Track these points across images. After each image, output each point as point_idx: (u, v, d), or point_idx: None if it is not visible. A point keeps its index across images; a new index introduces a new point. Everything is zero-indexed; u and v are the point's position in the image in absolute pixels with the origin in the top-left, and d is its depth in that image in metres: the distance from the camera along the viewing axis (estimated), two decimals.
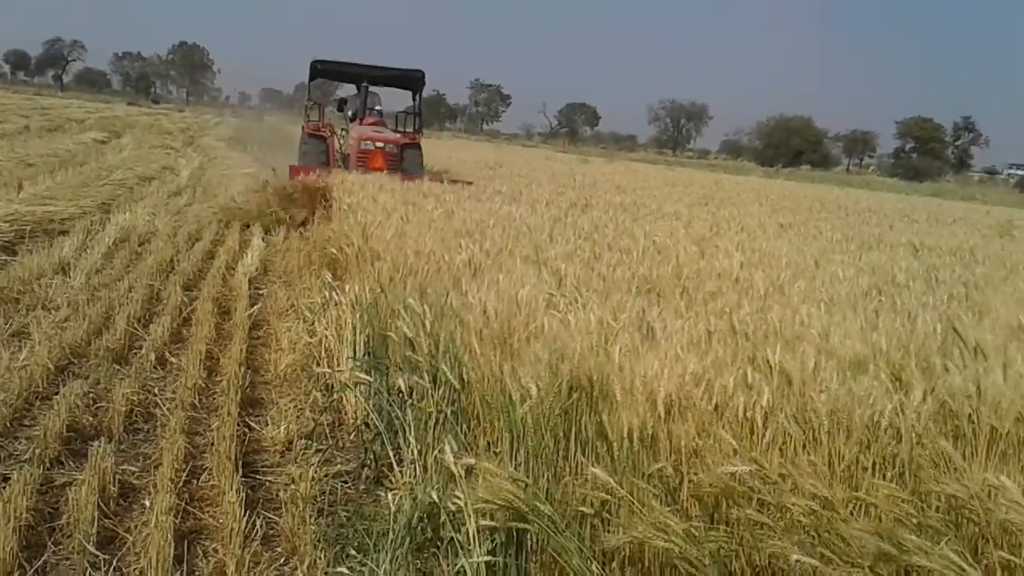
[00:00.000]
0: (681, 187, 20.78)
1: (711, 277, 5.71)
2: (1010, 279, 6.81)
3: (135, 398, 4.62)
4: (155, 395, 4.77)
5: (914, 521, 2.49)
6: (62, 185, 11.74)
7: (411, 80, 15.09)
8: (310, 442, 4.34)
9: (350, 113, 15.59)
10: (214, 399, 4.84)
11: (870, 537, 2.27)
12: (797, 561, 2.28)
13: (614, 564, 2.55)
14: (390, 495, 3.20)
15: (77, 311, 6.01)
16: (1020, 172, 79.46)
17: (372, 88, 15.25)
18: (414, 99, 15.29)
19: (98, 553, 3.09)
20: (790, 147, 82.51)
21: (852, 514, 2.51)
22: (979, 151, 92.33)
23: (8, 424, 4.18)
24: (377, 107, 15.45)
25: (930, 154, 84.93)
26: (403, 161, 13.57)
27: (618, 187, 17.75)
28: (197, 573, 3.07)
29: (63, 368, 5.03)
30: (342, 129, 15.40)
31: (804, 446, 2.79)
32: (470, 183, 12.65)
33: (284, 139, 23.70)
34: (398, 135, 14.44)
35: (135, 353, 5.48)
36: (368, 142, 13.42)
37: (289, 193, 11.30)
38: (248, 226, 10.85)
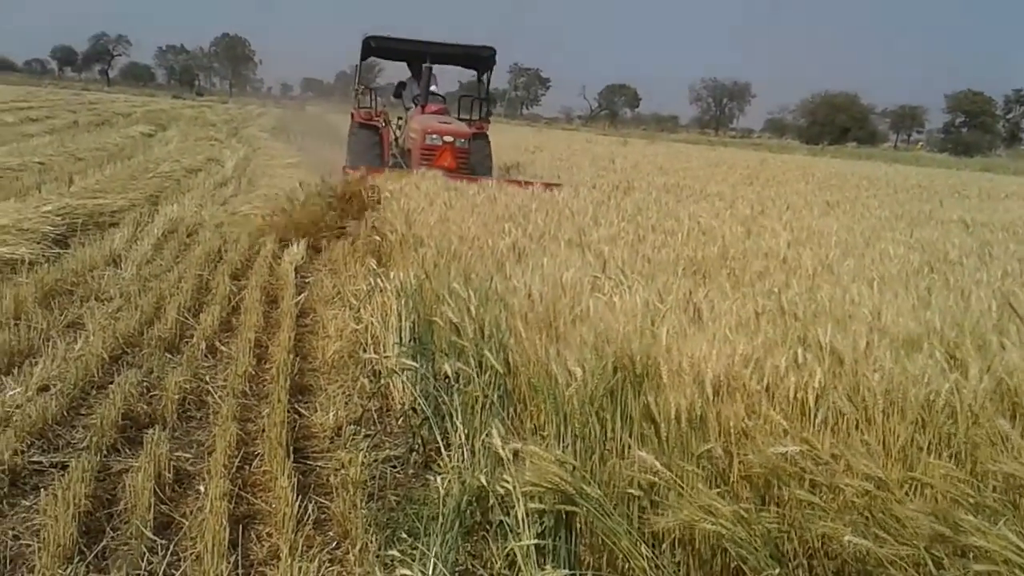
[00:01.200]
0: (724, 167, 20.55)
1: (758, 257, 5.65)
2: None
3: (187, 386, 4.70)
4: (206, 383, 4.86)
5: (971, 501, 2.44)
6: (111, 178, 11.96)
7: (479, 59, 12.91)
8: (359, 428, 4.39)
9: (408, 101, 13.19)
10: (264, 386, 4.91)
11: (925, 518, 2.24)
12: (850, 542, 2.25)
13: (664, 546, 2.54)
14: (439, 479, 3.22)
15: (129, 302, 6.12)
16: None
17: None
18: (480, 81, 13.18)
19: (155, 538, 3.16)
20: (836, 124, 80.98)
21: (907, 495, 2.47)
22: None
23: (65, 413, 4.28)
24: (434, 88, 12.90)
25: (981, 128, 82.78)
26: (471, 156, 11.47)
27: (660, 168, 17.60)
28: (252, 557, 3.12)
29: (117, 358, 5.13)
30: (399, 119, 13.23)
31: (857, 426, 2.74)
32: (559, 184, 10.70)
33: (326, 128, 23.91)
34: (466, 126, 12.07)
35: (186, 342, 5.58)
36: (434, 135, 11.14)
37: (343, 200, 9.39)
38: (289, 243, 8.67)
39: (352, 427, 4.39)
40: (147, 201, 10.81)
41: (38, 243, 7.46)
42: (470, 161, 11.34)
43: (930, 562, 2.34)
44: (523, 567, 2.47)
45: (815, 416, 2.68)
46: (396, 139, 12.71)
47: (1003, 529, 2.31)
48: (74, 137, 17.98)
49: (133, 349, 5.32)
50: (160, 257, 7.84)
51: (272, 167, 15.38)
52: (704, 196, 10.89)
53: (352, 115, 12.93)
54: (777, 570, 2.26)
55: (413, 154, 11.40)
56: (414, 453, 4.07)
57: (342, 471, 3.82)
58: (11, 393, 4.35)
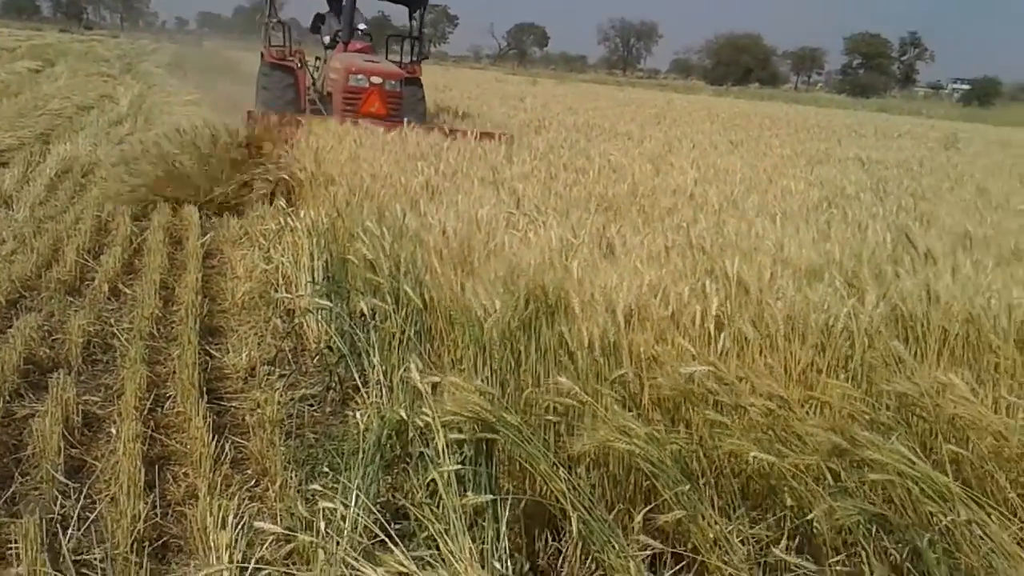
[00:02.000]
0: (633, 107, 20.72)
1: (666, 194, 5.76)
2: (955, 189, 6.97)
3: (91, 329, 4.57)
4: (111, 326, 4.72)
5: (867, 418, 2.59)
6: None
7: None
8: (273, 368, 4.36)
9: (327, 38, 11.61)
10: (172, 328, 4.80)
11: (824, 433, 2.37)
12: (755, 458, 2.38)
13: (580, 469, 2.63)
14: (358, 414, 3.23)
15: (24, 244, 5.88)
16: (964, 87, 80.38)
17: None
18: (412, 19, 11.74)
19: (67, 481, 3.09)
20: (740, 65, 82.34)
21: (808, 413, 2.61)
22: (924, 66, 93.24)
23: None
24: (362, 26, 11.48)
25: (877, 70, 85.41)
26: (403, 102, 10.12)
27: (570, 108, 17.63)
28: (169, 497, 3.10)
29: (14, 302, 4.93)
30: (316, 58, 11.80)
31: (761, 351, 2.87)
32: (509, 136, 9.14)
33: (225, 65, 23.03)
34: (397, 67, 10.65)
35: (87, 285, 5.40)
36: (360, 76, 9.70)
37: (248, 151, 7.68)
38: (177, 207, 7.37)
39: (266, 367, 4.36)
40: (37, 140, 10.30)
41: None
42: (402, 107, 9.98)
43: (828, 475, 2.49)
44: (444, 495, 2.52)
45: (721, 342, 2.79)
46: (314, 82, 11.34)
47: (896, 444, 2.47)
48: None
49: (31, 293, 5.13)
50: (55, 198, 7.51)
51: (170, 104, 14.74)
52: (614, 135, 10.99)
53: (262, 54, 11.55)
54: (687, 487, 2.37)
55: (335, 98, 10.01)
56: (331, 391, 4.07)
57: (258, 411, 3.80)
58: None
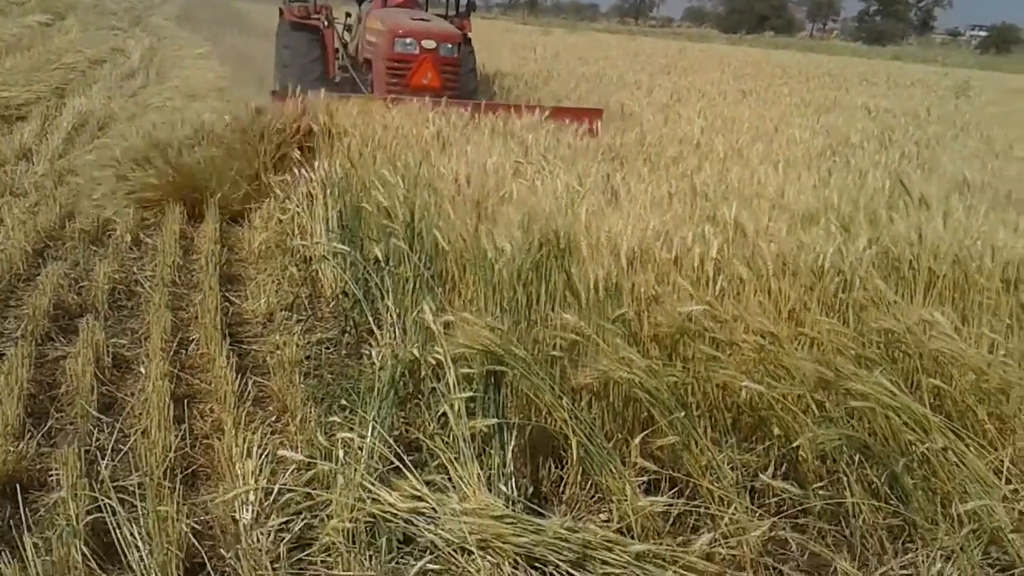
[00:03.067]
0: (644, 56, 20.58)
1: (673, 143, 5.88)
2: (960, 137, 7.04)
3: (115, 277, 4.75)
4: (135, 274, 4.90)
5: (853, 353, 2.75)
6: (12, 71, 11.38)
7: None
8: (290, 313, 4.52)
9: None
10: (193, 276, 4.97)
11: (811, 365, 2.53)
12: (745, 387, 2.54)
13: (582, 401, 2.80)
14: (374, 352, 3.41)
15: (47, 196, 6.03)
16: (982, 33, 79.06)
17: None
18: None
19: (101, 416, 3.29)
20: (754, 13, 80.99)
21: (797, 349, 2.77)
22: (942, 12, 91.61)
23: None
24: None
25: (893, 16, 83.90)
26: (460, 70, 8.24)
27: (580, 58, 17.56)
28: (196, 431, 3.29)
29: (40, 251, 5.11)
30: (347, 15, 9.88)
31: (755, 292, 3.02)
32: (597, 114, 7.13)
33: (234, 16, 22.97)
34: (451, 25, 8.68)
35: (109, 235, 5.56)
36: (408, 40, 7.74)
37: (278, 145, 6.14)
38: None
39: (284, 313, 4.52)
40: (53, 94, 10.39)
41: None
42: (459, 77, 8.14)
43: (814, 406, 2.65)
44: (454, 425, 2.70)
45: (717, 283, 2.94)
46: (345, 45, 9.43)
47: (879, 376, 2.63)
48: None
49: (56, 243, 5.30)
50: (73, 151, 7.64)
51: (181, 57, 14.77)
52: (623, 85, 11.02)
53: (281, 11, 9.57)
54: (682, 414, 2.54)
55: (376, 68, 8.11)
56: (346, 335, 4.24)
57: (277, 352, 3.97)
58: None
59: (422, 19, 8.42)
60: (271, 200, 6.13)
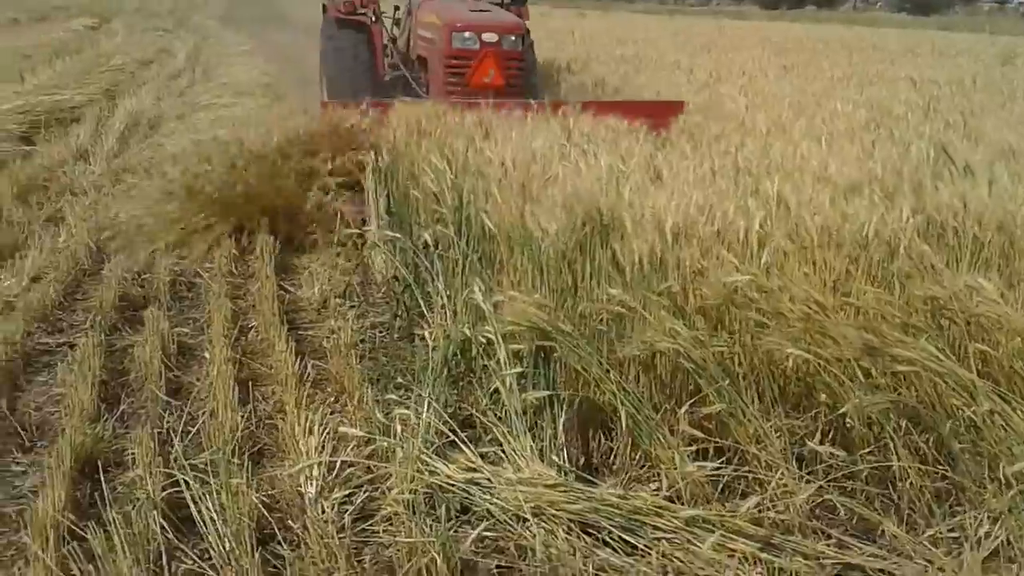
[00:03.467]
0: (683, 36, 20.40)
1: (715, 120, 5.89)
2: (1007, 105, 6.94)
3: (175, 270, 4.93)
4: (193, 266, 5.07)
5: (898, 321, 2.78)
6: (63, 74, 11.73)
7: None
8: (344, 300, 4.66)
9: None
10: (248, 267, 5.14)
11: (856, 332, 2.58)
12: (791, 354, 2.59)
13: (629, 374, 2.88)
14: (426, 333, 3.52)
15: (105, 195, 6.25)
16: None
17: None
18: None
19: (170, 399, 3.45)
20: None
21: (843, 317, 2.80)
22: None
23: (63, 299, 4.51)
24: None
25: None
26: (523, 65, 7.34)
27: (618, 40, 17.45)
28: (260, 412, 3.44)
29: (102, 248, 5.31)
30: (396, 8, 9.06)
31: (800, 264, 3.06)
32: (677, 107, 6.53)
33: (277, 14, 23.25)
34: (512, 15, 7.79)
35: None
36: (467, 35, 6.90)
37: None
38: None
39: (337, 300, 4.66)
40: (104, 95, 10.67)
41: (4, 140, 7.48)
42: (524, 74, 7.30)
43: (860, 373, 2.69)
44: (506, 399, 2.80)
45: (762, 256, 2.99)
46: (394, 40, 8.76)
47: (924, 343, 2.67)
48: (17, 35, 17.41)
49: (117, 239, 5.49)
50: (127, 151, 7.88)
51: (226, 56, 15.05)
52: (663, 66, 10.98)
53: (324, 7, 8.78)
54: (727, 382, 2.61)
55: (433, 68, 7.35)
56: (398, 319, 4.36)
57: (333, 337, 4.10)
58: (6, 284, 4.55)
59: (480, 9, 7.62)
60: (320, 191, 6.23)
